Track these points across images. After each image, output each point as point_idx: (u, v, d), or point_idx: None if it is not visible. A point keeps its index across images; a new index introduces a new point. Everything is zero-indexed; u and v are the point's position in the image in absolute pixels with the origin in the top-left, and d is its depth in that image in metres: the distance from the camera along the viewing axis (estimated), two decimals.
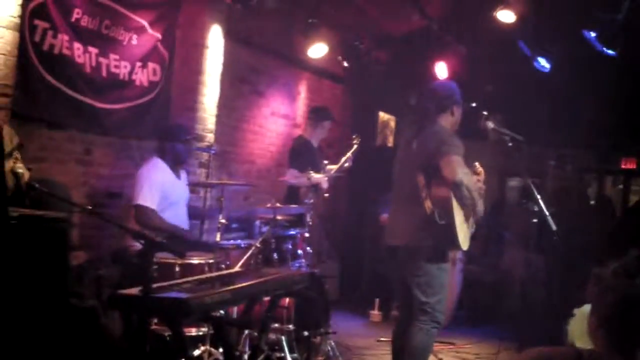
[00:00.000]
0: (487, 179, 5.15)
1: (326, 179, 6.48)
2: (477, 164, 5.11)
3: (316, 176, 6.21)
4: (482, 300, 8.42)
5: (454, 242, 4.57)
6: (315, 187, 6.37)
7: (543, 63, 7.90)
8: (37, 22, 5.01)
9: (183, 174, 5.96)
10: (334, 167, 6.80)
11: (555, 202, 7.71)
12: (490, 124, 5.21)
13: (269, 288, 4.20)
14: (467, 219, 4.74)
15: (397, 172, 4.99)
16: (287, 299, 5.26)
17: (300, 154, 7.00)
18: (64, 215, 2.99)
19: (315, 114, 7.39)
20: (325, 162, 6.73)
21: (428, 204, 4.57)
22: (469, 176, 4.65)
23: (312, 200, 6.13)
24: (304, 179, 6.17)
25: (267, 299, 4.56)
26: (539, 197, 5.17)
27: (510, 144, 5.24)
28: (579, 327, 3.84)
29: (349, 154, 6.88)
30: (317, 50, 7.82)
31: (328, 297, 5.96)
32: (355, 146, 6.95)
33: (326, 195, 6.69)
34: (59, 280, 2.78)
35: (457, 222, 4.56)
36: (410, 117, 5.91)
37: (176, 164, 5.79)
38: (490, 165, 5.52)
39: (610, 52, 6.41)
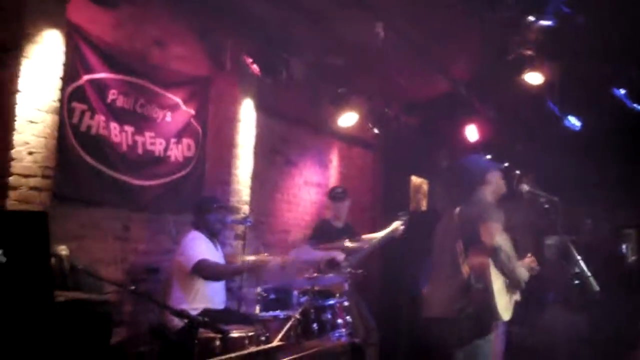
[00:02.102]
0: (522, 238, 5.07)
1: (340, 253, 6.38)
2: None
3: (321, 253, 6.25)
4: None
5: (492, 310, 4.48)
6: (330, 262, 6.30)
7: (573, 121, 7.89)
8: (75, 104, 5.16)
9: (218, 246, 5.96)
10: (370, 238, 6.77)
11: (593, 260, 7.57)
12: (525, 187, 5.17)
13: None
14: (507, 287, 4.67)
15: (437, 244, 4.95)
16: None
17: (314, 233, 6.94)
18: (107, 298, 3.01)
19: (329, 195, 7.20)
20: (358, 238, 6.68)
21: (465, 269, 4.53)
22: (508, 243, 4.59)
23: (349, 269, 6.09)
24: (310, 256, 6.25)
25: None
26: (579, 258, 5.07)
27: (546, 206, 5.18)
28: None
29: (388, 229, 6.81)
30: (347, 119, 7.89)
31: None
32: (396, 224, 6.78)
33: (359, 272, 6.58)
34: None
35: (495, 289, 4.48)
36: (446, 183, 5.88)
37: (212, 234, 5.76)
38: (525, 225, 5.45)
39: None
